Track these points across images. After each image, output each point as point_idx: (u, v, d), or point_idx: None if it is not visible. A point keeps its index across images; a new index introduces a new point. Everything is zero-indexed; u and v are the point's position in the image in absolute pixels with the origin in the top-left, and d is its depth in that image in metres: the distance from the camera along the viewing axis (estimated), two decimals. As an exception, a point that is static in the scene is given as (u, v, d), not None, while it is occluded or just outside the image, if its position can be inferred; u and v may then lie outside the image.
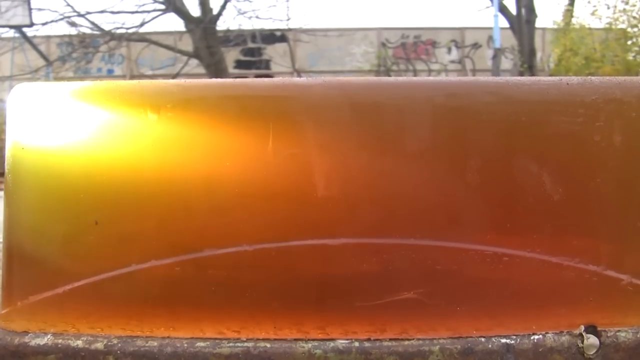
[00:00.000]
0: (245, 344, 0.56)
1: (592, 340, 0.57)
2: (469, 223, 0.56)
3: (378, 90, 0.57)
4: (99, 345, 0.56)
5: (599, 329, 0.57)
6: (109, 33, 6.95)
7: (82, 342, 0.56)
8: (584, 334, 0.57)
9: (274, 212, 0.56)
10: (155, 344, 0.56)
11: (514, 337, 0.57)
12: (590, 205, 0.57)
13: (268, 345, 0.56)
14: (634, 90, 0.58)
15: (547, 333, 0.57)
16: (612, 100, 0.57)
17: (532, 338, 0.57)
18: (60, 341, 0.57)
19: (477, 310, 0.57)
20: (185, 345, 0.56)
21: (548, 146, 0.57)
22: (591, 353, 0.57)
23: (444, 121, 0.56)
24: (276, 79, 0.57)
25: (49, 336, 0.57)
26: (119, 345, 0.56)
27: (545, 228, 0.57)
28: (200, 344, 0.56)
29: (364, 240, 0.55)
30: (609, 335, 0.57)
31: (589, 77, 0.58)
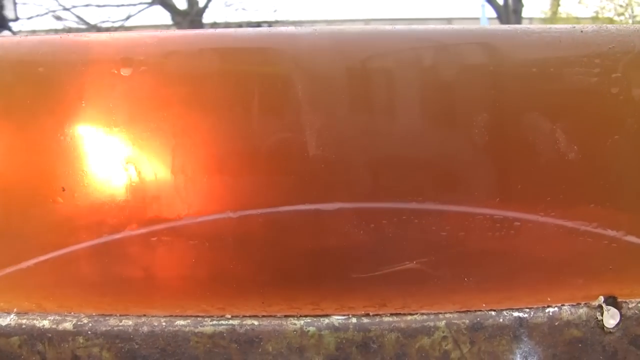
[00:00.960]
0: (230, 322, 0.50)
1: (612, 312, 0.52)
2: (476, 185, 0.51)
3: (376, 41, 0.51)
4: (68, 325, 0.50)
5: (619, 300, 0.52)
6: (94, 27, 6.85)
7: (49, 322, 0.51)
8: (603, 305, 0.52)
9: (261, 175, 0.50)
10: (130, 322, 0.50)
11: (527, 310, 0.52)
12: (608, 165, 0.52)
13: (256, 322, 0.50)
14: (655, 38, 0.53)
15: (563, 305, 0.52)
16: (630, 50, 0.52)
17: (546, 311, 0.52)
18: (24, 321, 0.51)
19: (487, 282, 0.52)
20: (164, 324, 0.50)
21: (561, 100, 0.52)
22: (612, 326, 0.52)
23: (449, 73, 0.51)
24: (265, 29, 0.51)
25: (12, 316, 0.51)
26: (90, 325, 0.50)
27: (560, 190, 0.52)
28: (180, 322, 0.50)
29: (361, 205, 0.50)
30: (630, 306, 0.52)
31: (605, 24, 0.53)
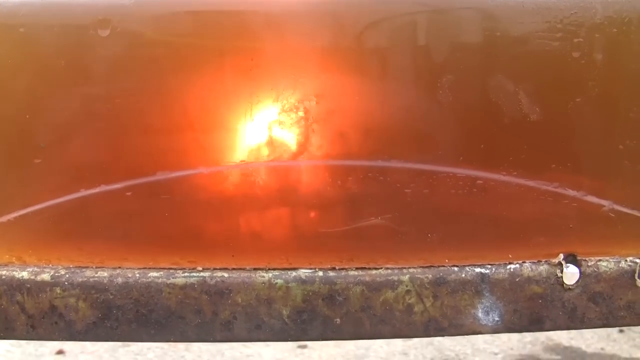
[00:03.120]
0: (201, 274, 0.52)
1: (571, 269, 0.54)
2: (440, 144, 0.52)
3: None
4: (46, 277, 0.52)
5: (579, 258, 0.54)
6: None
7: (28, 273, 0.53)
8: (563, 263, 0.54)
9: (231, 132, 0.52)
10: (106, 274, 0.52)
11: (489, 266, 0.53)
12: (569, 127, 0.54)
13: (225, 275, 0.52)
14: (616, 5, 0.54)
15: (524, 262, 0.54)
16: (592, 16, 0.54)
17: (508, 267, 0.53)
18: (4, 272, 0.53)
19: (450, 239, 0.53)
20: (137, 275, 0.52)
21: (524, 63, 0.53)
22: (571, 283, 0.54)
23: (416, 36, 0.52)
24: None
25: (-8, 268, 0.53)
26: (67, 276, 0.52)
27: (522, 151, 0.53)
28: (154, 274, 0.52)
29: (329, 162, 0.51)
30: (589, 264, 0.54)
31: (569, -10, 0.54)
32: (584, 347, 1.34)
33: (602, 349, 1.36)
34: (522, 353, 1.32)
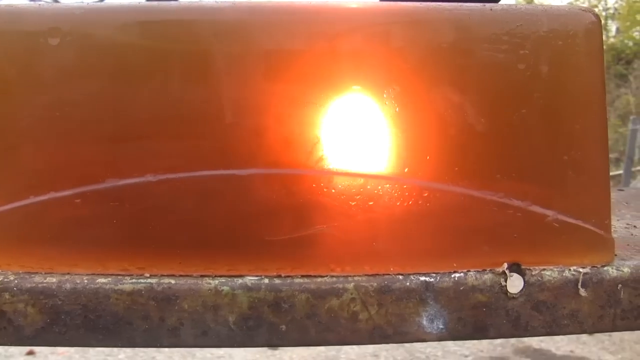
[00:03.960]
0: (149, 280, 0.53)
1: (515, 278, 0.54)
2: (386, 154, 0.53)
3: (289, 13, 0.53)
4: (-5, 282, 0.53)
5: (523, 267, 0.55)
6: None
7: (-23, 278, 0.53)
8: (507, 272, 0.54)
9: (180, 141, 0.53)
10: (54, 280, 0.53)
11: (434, 275, 0.54)
12: (514, 138, 0.54)
13: (172, 281, 0.53)
14: (561, 18, 0.55)
15: (468, 271, 0.54)
16: (538, 28, 0.54)
17: (452, 276, 0.54)
18: (-46, 278, 0.53)
19: (396, 247, 0.54)
20: (86, 281, 0.53)
21: (470, 75, 0.54)
22: (515, 292, 0.54)
23: (357, 48, 0.53)
24: (180, 3, 0.54)
25: (-58, 273, 0.54)
26: (16, 281, 0.53)
27: (468, 161, 0.54)
28: (102, 280, 0.53)
29: (274, 171, 0.52)
30: (533, 273, 0.55)
31: (515, 4, 0.55)
32: (553, 350, 1.35)
33: (571, 351, 1.37)
34: (492, 355, 1.33)
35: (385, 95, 0.52)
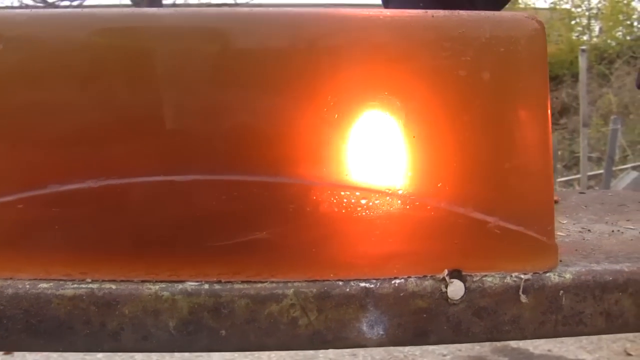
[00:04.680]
0: (90, 286, 0.53)
1: (456, 285, 0.55)
2: (324, 161, 0.53)
3: (227, 20, 0.54)
4: (-62, 286, 0.53)
5: (464, 273, 0.55)
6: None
7: None
8: (447, 278, 0.55)
9: (121, 147, 0.53)
10: (-3, 285, 0.53)
11: (374, 281, 0.54)
12: (456, 144, 0.54)
13: (114, 286, 0.53)
14: (503, 24, 0.55)
15: (409, 277, 0.55)
16: (480, 35, 0.54)
17: (393, 282, 0.54)
18: None
19: (335, 253, 0.54)
20: (28, 286, 0.53)
21: (411, 81, 0.54)
22: (456, 298, 0.55)
23: (303, 54, 0.53)
24: (118, 10, 0.54)
25: None
26: (-41, 286, 0.53)
27: (409, 167, 0.54)
28: (44, 285, 0.53)
29: (214, 177, 0.52)
30: (474, 280, 0.55)
31: (457, 10, 0.55)
32: (531, 349, 1.36)
33: (549, 350, 1.37)
34: (470, 355, 1.34)
35: (324, 102, 0.52)
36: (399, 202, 0.53)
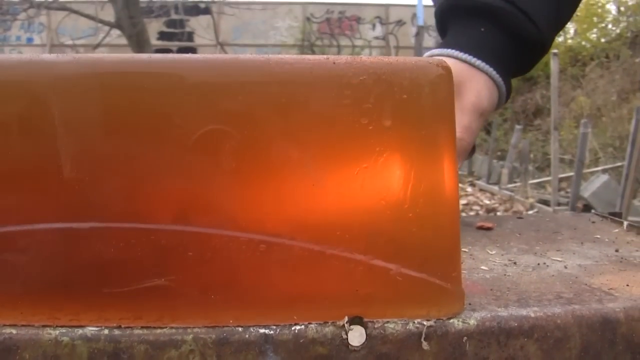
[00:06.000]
0: (-9, 330, 0.54)
1: (357, 331, 0.55)
2: (222, 209, 0.53)
3: (131, 69, 0.53)
4: None
5: (365, 320, 0.55)
6: (27, 0, 6.69)
7: None
8: (347, 325, 0.55)
9: (19, 194, 0.53)
10: None
11: (274, 327, 0.55)
12: (356, 193, 0.54)
13: (14, 331, 0.54)
14: (406, 71, 0.54)
15: (309, 324, 0.55)
16: (382, 81, 0.54)
17: (293, 329, 0.55)
18: None
19: (235, 299, 0.55)
20: None
21: (311, 129, 0.54)
22: (356, 345, 0.55)
23: (201, 103, 0.53)
24: (12, 57, 0.54)
25: None
26: None
27: (308, 215, 0.54)
28: (-56, 329, 0.54)
29: (113, 225, 0.53)
30: (376, 326, 0.55)
31: (359, 56, 0.55)
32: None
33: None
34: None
35: (220, 150, 0.52)
36: (299, 248, 0.54)
